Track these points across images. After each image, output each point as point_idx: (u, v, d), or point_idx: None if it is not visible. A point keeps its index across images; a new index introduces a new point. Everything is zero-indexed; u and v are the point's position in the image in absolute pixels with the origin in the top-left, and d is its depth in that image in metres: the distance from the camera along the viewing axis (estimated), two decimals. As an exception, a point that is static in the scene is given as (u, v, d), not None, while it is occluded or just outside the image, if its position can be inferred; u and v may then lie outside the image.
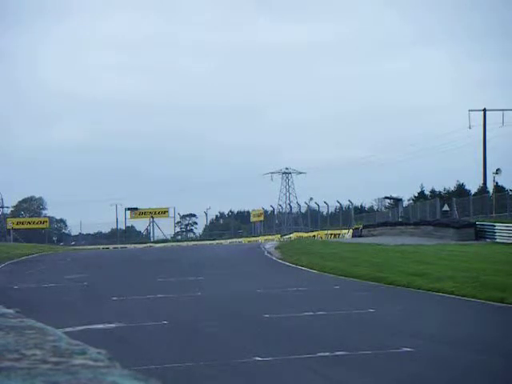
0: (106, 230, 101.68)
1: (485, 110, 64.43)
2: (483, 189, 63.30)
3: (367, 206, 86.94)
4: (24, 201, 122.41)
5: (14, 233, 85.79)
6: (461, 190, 75.06)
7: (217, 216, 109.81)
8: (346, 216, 72.45)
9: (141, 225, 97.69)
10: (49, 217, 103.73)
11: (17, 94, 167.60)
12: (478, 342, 13.15)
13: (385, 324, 15.49)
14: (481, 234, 42.96)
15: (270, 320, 16.35)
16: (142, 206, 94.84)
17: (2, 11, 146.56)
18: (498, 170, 63.94)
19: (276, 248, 42.28)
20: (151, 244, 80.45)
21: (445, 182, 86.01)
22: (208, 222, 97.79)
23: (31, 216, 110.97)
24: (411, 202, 75.06)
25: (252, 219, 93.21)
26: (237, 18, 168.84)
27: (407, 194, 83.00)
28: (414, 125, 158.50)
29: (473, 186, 75.30)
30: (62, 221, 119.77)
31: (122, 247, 77.25)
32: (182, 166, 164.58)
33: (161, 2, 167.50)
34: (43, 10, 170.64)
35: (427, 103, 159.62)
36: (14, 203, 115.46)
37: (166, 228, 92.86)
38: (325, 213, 78.02)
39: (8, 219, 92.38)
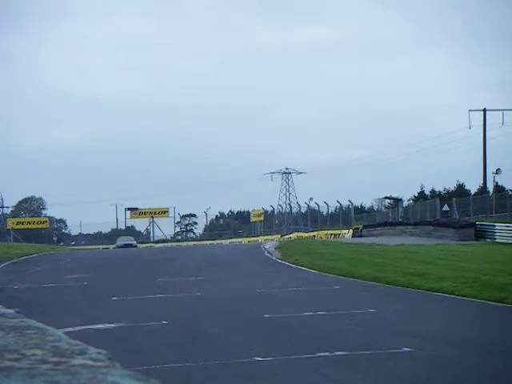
0: (106, 230, 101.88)
1: (485, 110, 64.40)
2: (483, 189, 63.29)
3: (367, 205, 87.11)
4: (24, 201, 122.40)
5: (13, 233, 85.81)
6: (461, 190, 75.09)
7: (217, 216, 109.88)
8: (346, 216, 72.43)
9: (141, 225, 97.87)
10: (49, 217, 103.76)
11: (17, 94, 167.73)
12: (477, 341, 13.15)
13: (385, 324, 15.49)
14: (481, 234, 42.93)
15: (270, 320, 16.35)
16: (141, 206, 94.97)
17: (3, 12, 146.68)
18: (498, 170, 63.98)
19: (276, 248, 42.27)
20: (151, 244, 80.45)
21: (445, 182, 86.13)
22: (208, 222, 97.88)
23: (31, 216, 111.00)
24: (411, 202, 75.07)
25: (252, 219, 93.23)
26: (237, 19, 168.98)
27: (407, 194, 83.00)
28: (414, 125, 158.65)
29: (473, 186, 75.41)
30: (62, 221, 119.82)
31: (121, 247, 77.28)
32: (183, 166, 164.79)
33: (161, 3, 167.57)
34: (44, 10, 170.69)
35: (428, 104, 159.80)
36: (14, 203, 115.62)
37: (166, 228, 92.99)
38: (325, 213, 78.02)
39: (8, 219, 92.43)
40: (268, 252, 40.22)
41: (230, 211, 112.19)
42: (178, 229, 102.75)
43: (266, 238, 73.00)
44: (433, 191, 79.38)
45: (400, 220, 57.40)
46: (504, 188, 62.60)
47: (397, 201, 67.44)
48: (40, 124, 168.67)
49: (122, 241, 75.67)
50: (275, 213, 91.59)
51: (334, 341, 13.35)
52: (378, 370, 11.13)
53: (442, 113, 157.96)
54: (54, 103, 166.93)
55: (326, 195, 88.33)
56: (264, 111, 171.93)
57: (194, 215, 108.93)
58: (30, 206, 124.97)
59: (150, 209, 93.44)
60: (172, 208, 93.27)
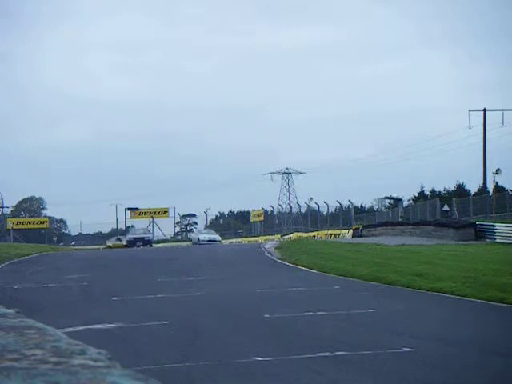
0: (106, 230, 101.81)
1: (485, 110, 64.37)
2: (483, 189, 63.27)
3: (367, 206, 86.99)
4: (24, 201, 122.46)
5: (13, 233, 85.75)
6: (461, 190, 75.04)
7: (217, 216, 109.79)
8: (346, 216, 72.41)
9: (141, 225, 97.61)
10: (49, 217, 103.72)
11: (18, 95, 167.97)
12: (477, 342, 13.15)
13: (385, 324, 15.49)
14: (481, 234, 42.90)
15: (269, 320, 16.34)
16: (142, 206, 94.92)
17: (4, 14, 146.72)
18: (497, 170, 63.94)
19: (276, 248, 42.22)
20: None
21: (445, 182, 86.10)
22: (208, 222, 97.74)
23: (31, 216, 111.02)
24: (411, 202, 75.01)
25: (252, 219, 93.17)
26: (237, 19, 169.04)
27: (407, 194, 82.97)
28: (415, 125, 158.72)
29: (473, 186, 75.37)
30: (62, 221, 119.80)
31: (121, 247, 77.15)
32: (182, 166, 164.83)
33: (161, 3, 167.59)
34: (44, 12, 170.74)
35: (428, 104, 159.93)
36: (14, 203, 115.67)
37: (165, 228, 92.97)
38: (325, 213, 77.96)
39: (8, 219, 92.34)
40: (268, 252, 40.18)
41: (230, 211, 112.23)
42: (177, 229, 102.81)
43: (265, 238, 72.95)
44: (433, 191, 79.33)
45: (400, 220, 57.38)
46: (504, 188, 62.61)
47: (397, 201, 67.45)
48: (40, 124, 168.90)
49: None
50: (275, 213, 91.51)
51: (334, 341, 13.34)
52: (378, 370, 11.13)
53: (442, 113, 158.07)
54: (54, 103, 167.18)
55: (326, 195, 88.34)
56: (264, 111, 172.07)
57: (194, 215, 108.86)
58: (30, 205, 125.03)
59: (150, 209, 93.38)
60: (172, 208, 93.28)
